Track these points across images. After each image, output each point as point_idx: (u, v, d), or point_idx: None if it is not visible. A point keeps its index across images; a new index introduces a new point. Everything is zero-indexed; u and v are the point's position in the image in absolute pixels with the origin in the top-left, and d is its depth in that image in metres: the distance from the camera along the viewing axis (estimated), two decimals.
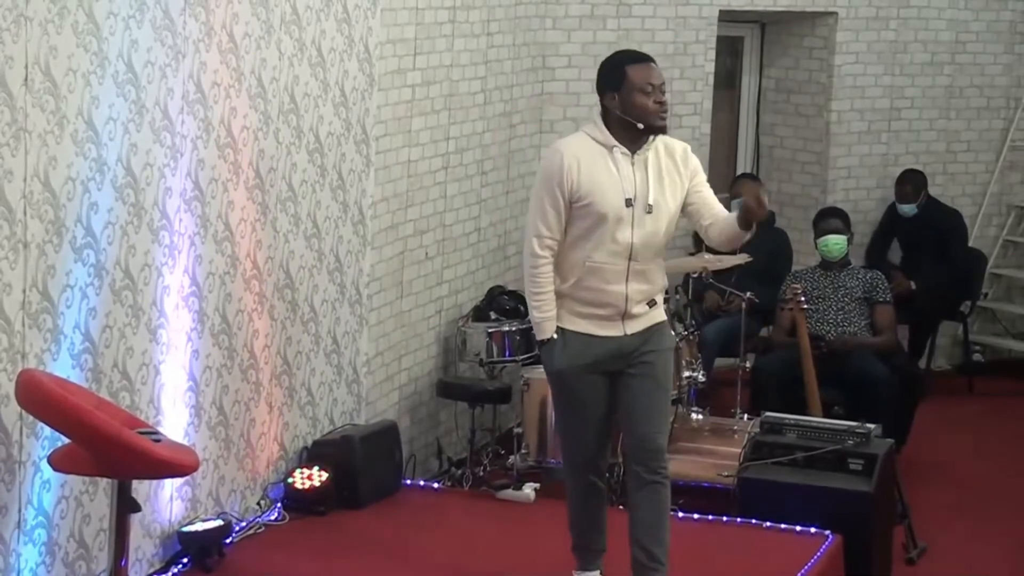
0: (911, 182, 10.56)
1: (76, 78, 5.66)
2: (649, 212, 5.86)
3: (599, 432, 6.04)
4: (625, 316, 5.93)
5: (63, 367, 5.69)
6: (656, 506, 5.96)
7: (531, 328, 8.37)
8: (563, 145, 5.95)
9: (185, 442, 6.40)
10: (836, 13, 10.70)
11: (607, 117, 5.94)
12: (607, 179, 5.84)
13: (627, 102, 5.87)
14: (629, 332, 5.92)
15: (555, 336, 5.94)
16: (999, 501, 8.57)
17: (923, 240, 10.48)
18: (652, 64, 5.96)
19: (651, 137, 5.92)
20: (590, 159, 5.87)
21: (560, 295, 5.94)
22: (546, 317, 5.94)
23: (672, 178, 5.93)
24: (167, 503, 6.47)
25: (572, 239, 5.89)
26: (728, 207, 6.38)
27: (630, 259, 5.88)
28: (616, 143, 5.88)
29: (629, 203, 5.83)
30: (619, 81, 5.91)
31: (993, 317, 11.41)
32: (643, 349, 5.94)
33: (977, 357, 11.17)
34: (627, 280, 5.89)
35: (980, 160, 11.34)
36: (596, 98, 9.79)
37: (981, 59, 11.23)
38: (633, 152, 5.89)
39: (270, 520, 7.07)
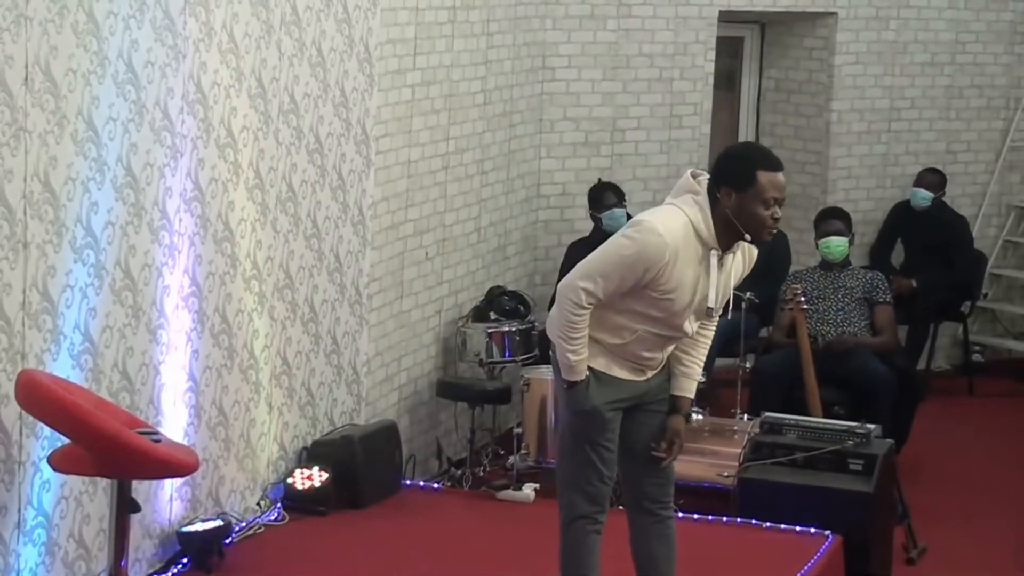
0: (937, 174, 10.62)
1: (76, 78, 5.65)
2: (716, 313, 5.66)
3: (614, 469, 5.79)
4: (652, 368, 5.77)
5: (63, 367, 5.69)
6: (670, 541, 5.87)
7: (530, 328, 8.50)
8: (668, 233, 5.42)
9: (185, 442, 6.40)
10: (836, 13, 10.70)
11: (713, 208, 5.46)
12: (692, 281, 5.48)
13: (745, 208, 5.42)
14: (650, 376, 5.75)
15: (587, 375, 5.64)
16: (999, 501, 8.57)
17: (928, 241, 10.47)
18: (782, 173, 5.51)
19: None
20: (686, 257, 5.45)
21: (592, 340, 5.64)
22: (581, 359, 5.61)
23: (735, 274, 5.68)
24: (167, 503, 6.47)
25: (628, 309, 5.56)
26: None
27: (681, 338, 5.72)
28: (715, 245, 5.48)
29: (703, 303, 5.57)
30: (746, 183, 5.42)
31: (993, 317, 11.41)
32: (664, 386, 5.80)
33: (977, 357, 11.17)
34: (666, 347, 5.72)
35: (980, 160, 11.34)
36: (595, 98, 10.03)
37: (981, 59, 11.23)
38: (724, 252, 5.52)
39: (270, 520, 7.06)
